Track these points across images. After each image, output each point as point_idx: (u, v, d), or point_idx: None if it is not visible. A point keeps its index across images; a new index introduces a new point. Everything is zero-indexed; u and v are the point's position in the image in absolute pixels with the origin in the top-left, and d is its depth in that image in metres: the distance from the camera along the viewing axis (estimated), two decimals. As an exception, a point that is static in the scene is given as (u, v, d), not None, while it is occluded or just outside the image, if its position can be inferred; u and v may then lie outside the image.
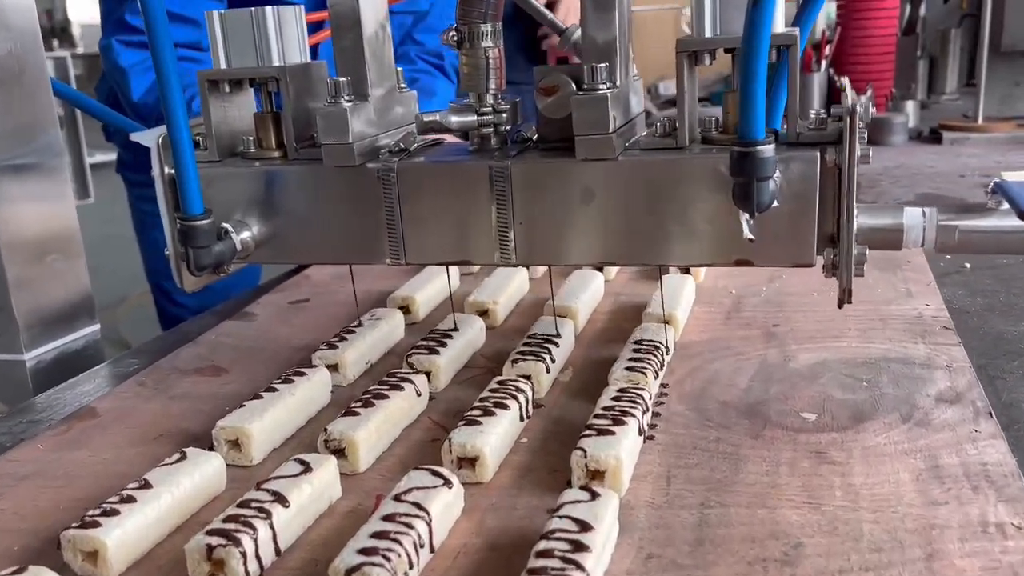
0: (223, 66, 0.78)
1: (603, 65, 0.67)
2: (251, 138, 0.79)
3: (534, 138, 0.75)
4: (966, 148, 1.94)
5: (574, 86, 0.69)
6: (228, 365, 0.88)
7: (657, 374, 0.76)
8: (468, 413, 0.67)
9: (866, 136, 0.66)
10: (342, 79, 0.72)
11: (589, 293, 0.96)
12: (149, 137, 0.77)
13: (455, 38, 0.72)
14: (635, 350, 0.78)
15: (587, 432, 0.63)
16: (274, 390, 0.73)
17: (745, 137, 0.60)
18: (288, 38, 0.78)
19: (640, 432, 0.65)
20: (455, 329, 0.86)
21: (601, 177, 0.69)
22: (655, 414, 0.71)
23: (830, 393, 0.74)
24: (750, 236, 0.66)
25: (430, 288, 1.02)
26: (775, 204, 0.64)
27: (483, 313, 0.94)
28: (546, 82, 0.70)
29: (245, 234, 0.78)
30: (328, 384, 0.78)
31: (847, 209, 0.66)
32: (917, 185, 1.55)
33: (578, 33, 0.86)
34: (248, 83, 0.81)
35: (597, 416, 0.66)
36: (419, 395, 0.74)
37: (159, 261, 0.81)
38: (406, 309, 0.98)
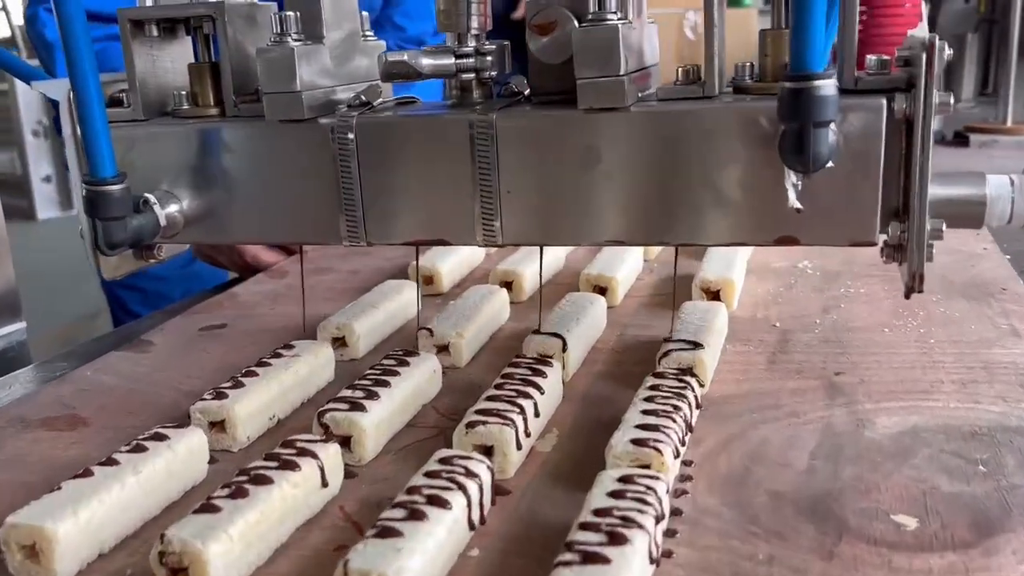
0: (148, 2, 0.64)
1: (613, -10, 0.53)
2: (184, 93, 0.65)
3: (526, 92, 0.61)
4: (996, 151, 1.81)
5: (576, 22, 0.56)
6: (92, 414, 0.65)
7: (678, 451, 0.52)
8: (383, 516, 0.44)
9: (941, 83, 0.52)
10: (290, 13, 0.58)
11: (585, 325, 0.72)
12: (57, 88, 0.64)
13: (429, -35, 0.59)
14: (646, 411, 0.55)
15: (567, 556, 0.40)
16: (114, 463, 0.50)
17: (799, 70, 0.46)
18: (230, -28, 0.65)
19: (651, 557, 0.43)
20: (395, 372, 0.62)
21: (609, 132, 0.56)
22: (675, 512, 0.48)
23: (932, 482, 0.51)
24: (797, 205, 0.52)
25: (378, 313, 0.77)
26: (829, 164, 0.51)
27: (443, 349, 0.71)
28: (541, 17, 0.57)
29: (172, 208, 0.64)
30: (203, 453, 0.55)
31: (920, 172, 0.52)
32: (951, 185, 1.42)
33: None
34: (184, 29, 0.68)
35: (584, 526, 0.43)
36: (325, 484, 0.50)
37: None
38: (341, 341, 0.74)
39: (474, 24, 0.59)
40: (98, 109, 0.56)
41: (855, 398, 0.62)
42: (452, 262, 0.92)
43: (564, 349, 0.66)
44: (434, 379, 0.65)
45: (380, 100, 0.62)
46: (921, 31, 0.52)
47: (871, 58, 0.54)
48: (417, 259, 0.82)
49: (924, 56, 0.49)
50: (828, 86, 0.46)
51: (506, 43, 0.62)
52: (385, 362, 0.63)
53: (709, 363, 0.64)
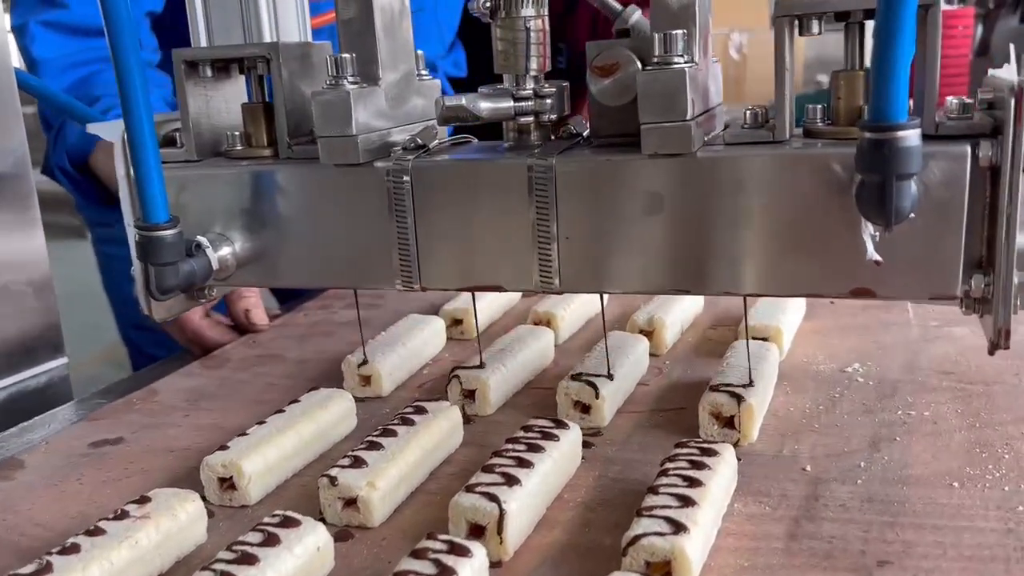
0: (203, 44, 0.64)
1: (679, 32, 0.51)
2: (238, 134, 0.65)
3: (585, 133, 0.60)
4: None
5: (639, 63, 0.54)
6: None
7: None
8: None
9: (1028, 128, 0.50)
10: (346, 55, 0.57)
11: (544, 472, 0.52)
12: (112, 130, 0.63)
13: (487, 5, 0.57)
14: None
15: None
16: None
17: (881, 119, 0.44)
18: (284, 12, 0.64)
19: None
20: (252, 559, 0.44)
21: (674, 178, 0.54)
22: None
23: None
24: (876, 257, 0.50)
25: (284, 443, 0.59)
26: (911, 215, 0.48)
27: (350, 503, 0.53)
28: (602, 59, 0.55)
29: (224, 250, 0.63)
30: None
31: (1007, 223, 0.49)
32: None
33: (637, 15, 0.71)
34: (237, 69, 0.67)
35: None
36: None
37: (125, 309, 0.66)
38: (230, 483, 0.56)
39: (533, 65, 0.58)
40: (152, 154, 0.56)
41: None
42: (398, 358, 0.73)
43: (501, 525, 0.48)
44: (319, 561, 0.47)
45: (436, 142, 0.61)
46: (1008, 73, 0.49)
47: (951, 100, 0.52)
48: (474, 306, 0.73)
49: (1012, 102, 0.47)
50: (912, 136, 0.44)
51: (565, 84, 0.60)
52: (248, 539, 0.46)
53: (695, 557, 0.45)
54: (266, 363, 0.82)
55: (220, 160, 0.65)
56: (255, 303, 0.89)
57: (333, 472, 0.53)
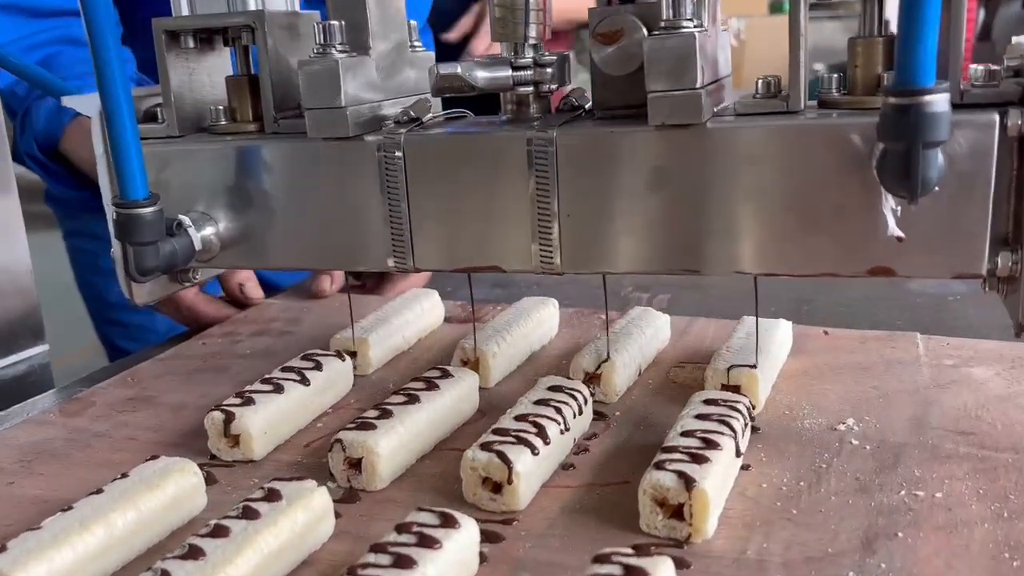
0: (184, 13, 0.60)
1: (688, -6, 0.48)
2: (222, 108, 0.62)
3: (587, 106, 0.57)
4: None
5: (645, 30, 0.51)
6: None
7: None
8: None
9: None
10: (335, 22, 0.54)
11: None
12: (88, 103, 0.60)
13: (484, -31, 0.54)
14: None
15: None
16: None
17: (907, 83, 0.41)
18: (270, -21, 0.61)
19: None
20: None
21: (682, 151, 0.51)
22: None
23: None
24: (898, 233, 0.47)
25: (85, 539, 0.43)
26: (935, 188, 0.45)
27: None
28: (606, 25, 0.52)
29: (208, 230, 0.60)
30: None
31: (1037, 196, 0.46)
32: None
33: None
34: (221, 40, 0.64)
35: None
36: None
37: (97, 304, 0.62)
38: None
39: (532, 33, 0.55)
40: (130, 127, 0.53)
41: None
42: (276, 410, 0.57)
43: None
44: None
45: (430, 116, 0.58)
46: (1035, 38, 0.47)
47: (976, 67, 0.49)
48: (471, 292, 0.64)
49: (1044, 66, 0.44)
50: (940, 101, 0.41)
51: (567, 53, 0.57)
52: None
53: None
54: (137, 408, 0.66)
55: (203, 136, 0.62)
56: (248, 275, 0.85)
57: None
